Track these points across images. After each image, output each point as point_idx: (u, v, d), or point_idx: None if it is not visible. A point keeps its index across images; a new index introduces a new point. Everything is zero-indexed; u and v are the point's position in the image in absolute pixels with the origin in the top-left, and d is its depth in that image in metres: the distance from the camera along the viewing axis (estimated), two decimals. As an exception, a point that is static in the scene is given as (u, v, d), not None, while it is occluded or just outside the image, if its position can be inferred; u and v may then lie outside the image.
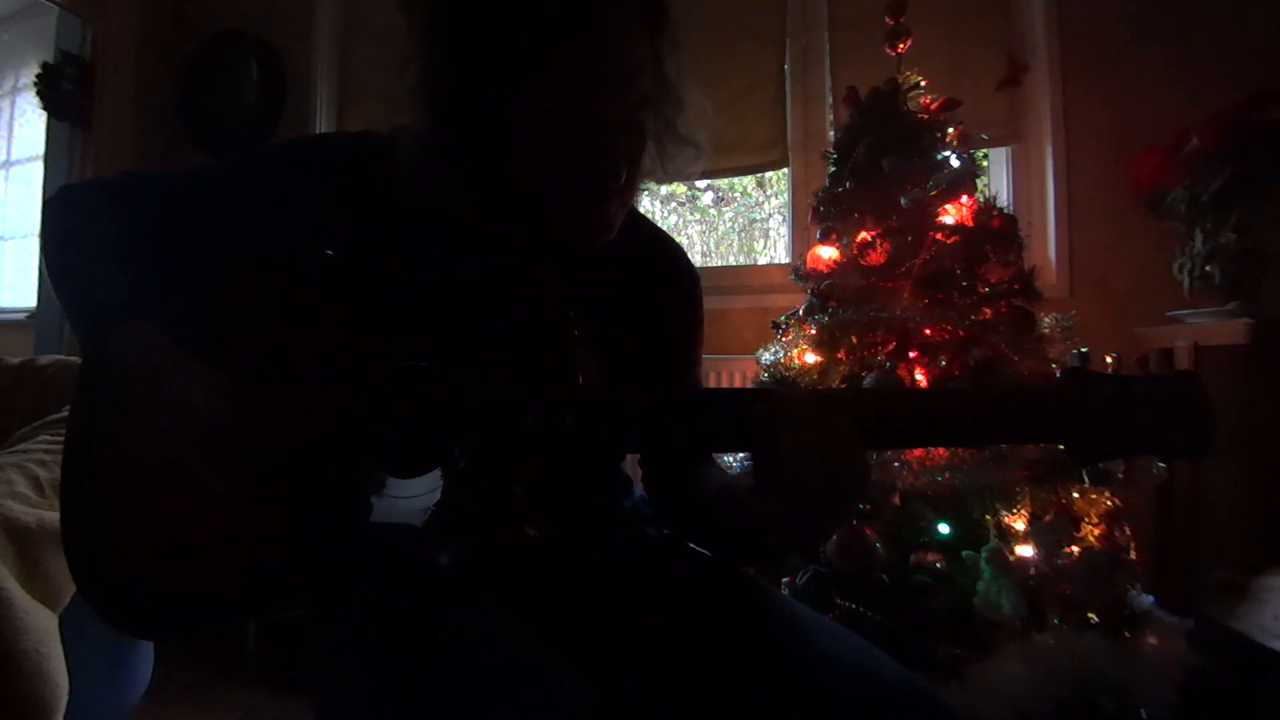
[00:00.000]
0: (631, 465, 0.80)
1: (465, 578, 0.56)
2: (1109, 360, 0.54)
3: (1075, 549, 1.18)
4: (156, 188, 0.72)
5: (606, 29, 0.59)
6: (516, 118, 0.61)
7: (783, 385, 1.37)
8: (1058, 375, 0.54)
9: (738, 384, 1.80)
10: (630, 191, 0.67)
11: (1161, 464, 0.53)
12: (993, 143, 1.82)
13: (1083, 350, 0.54)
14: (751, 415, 0.52)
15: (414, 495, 0.57)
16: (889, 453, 1.17)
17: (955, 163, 1.38)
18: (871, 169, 1.38)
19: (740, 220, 2.37)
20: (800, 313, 1.44)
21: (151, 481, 0.62)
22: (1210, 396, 0.50)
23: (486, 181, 0.64)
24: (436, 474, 0.57)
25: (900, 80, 1.45)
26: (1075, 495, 1.19)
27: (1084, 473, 0.54)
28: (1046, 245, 1.76)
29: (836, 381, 1.30)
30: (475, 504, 0.56)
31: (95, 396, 0.66)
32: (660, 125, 0.67)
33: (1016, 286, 1.29)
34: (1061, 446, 0.53)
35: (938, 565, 1.18)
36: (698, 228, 2.40)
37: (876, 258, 1.34)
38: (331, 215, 0.69)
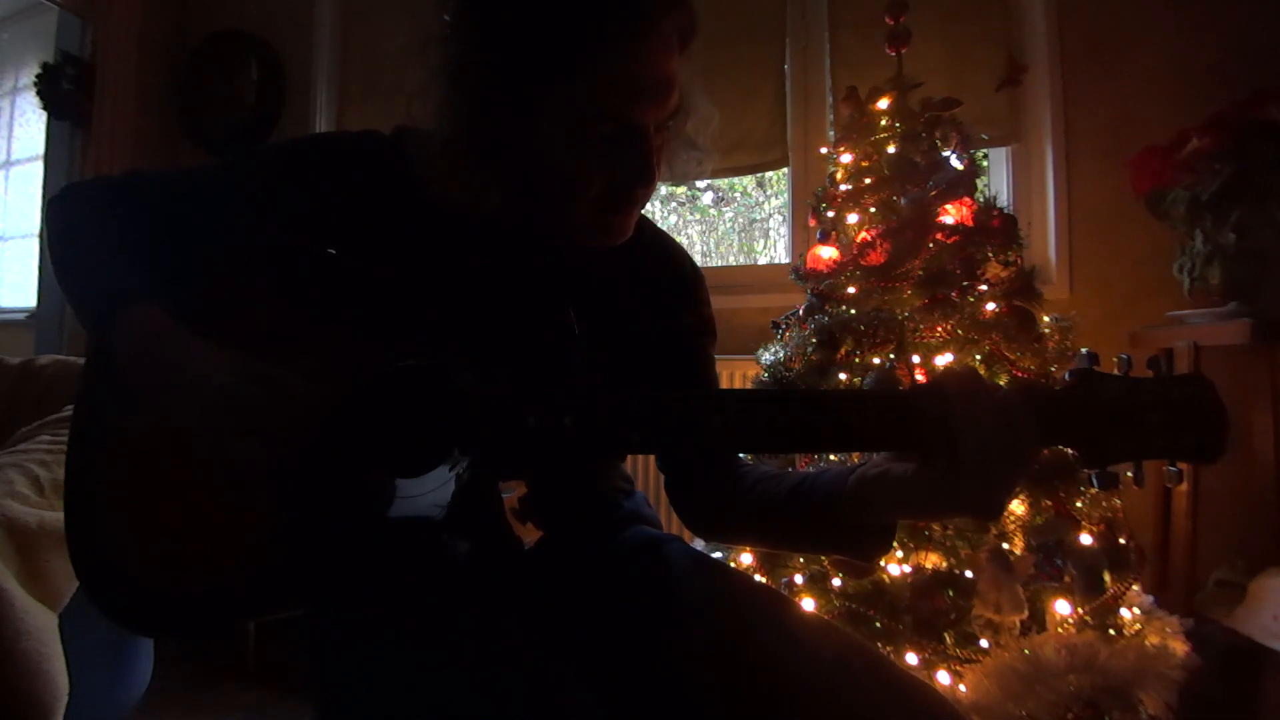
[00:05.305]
0: (630, 465, 0.80)
1: (475, 575, 0.56)
2: (1116, 361, 0.53)
3: (1075, 548, 1.18)
4: (162, 184, 0.72)
5: (652, 36, 0.58)
6: (550, 118, 0.60)
7: (781, 385, 1.37)
8: (1065, 377, 0.53)
9: (738, 384, 1.80)
10: (650, 195, 0.68)
11: (1173, 467, 0.52)
12: (993, 143, 1.82)
13: (1091, 352, 0.53)
14: (910, 410, 0.51)
15: (418, 494, 0.57)
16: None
17: (955, 163, 1.38)
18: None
19: (740, 220, 2.37)
20: (800, 313, 1.43)
21: (157, 473, 0.62)
22: (1222, 398, 0.49)
23: (507, 180, 0.64)
24: (443, 472, 0.57)
25: (900, 80, 1.45)
26: (1075, 495, 1.20)
27: (1093, 476, 0.53)
28: (1046, 245, 1.76)
29: (835, 381, 1.30)
30: (482, 505, 0.56)
31: (102, 385, 0.66)
32: (673, 130, 0.68)
33: (1016, 286, 1.29)
34: (1070, 450, 0.52)
35: (938, 565, 1.18)
36: (698, 228, 2.40)
37: (876, 258, 1.34)
38: (337, 213, 0.69)
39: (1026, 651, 1.08)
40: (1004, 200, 1.59)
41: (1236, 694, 1.24)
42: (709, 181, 2.29)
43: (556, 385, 0.56)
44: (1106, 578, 1.17)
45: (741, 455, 0.75)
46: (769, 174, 2.20)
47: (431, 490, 0.56)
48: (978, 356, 1.26)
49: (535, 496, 0.59)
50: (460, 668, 0.49)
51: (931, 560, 1.18)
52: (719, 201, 2.38)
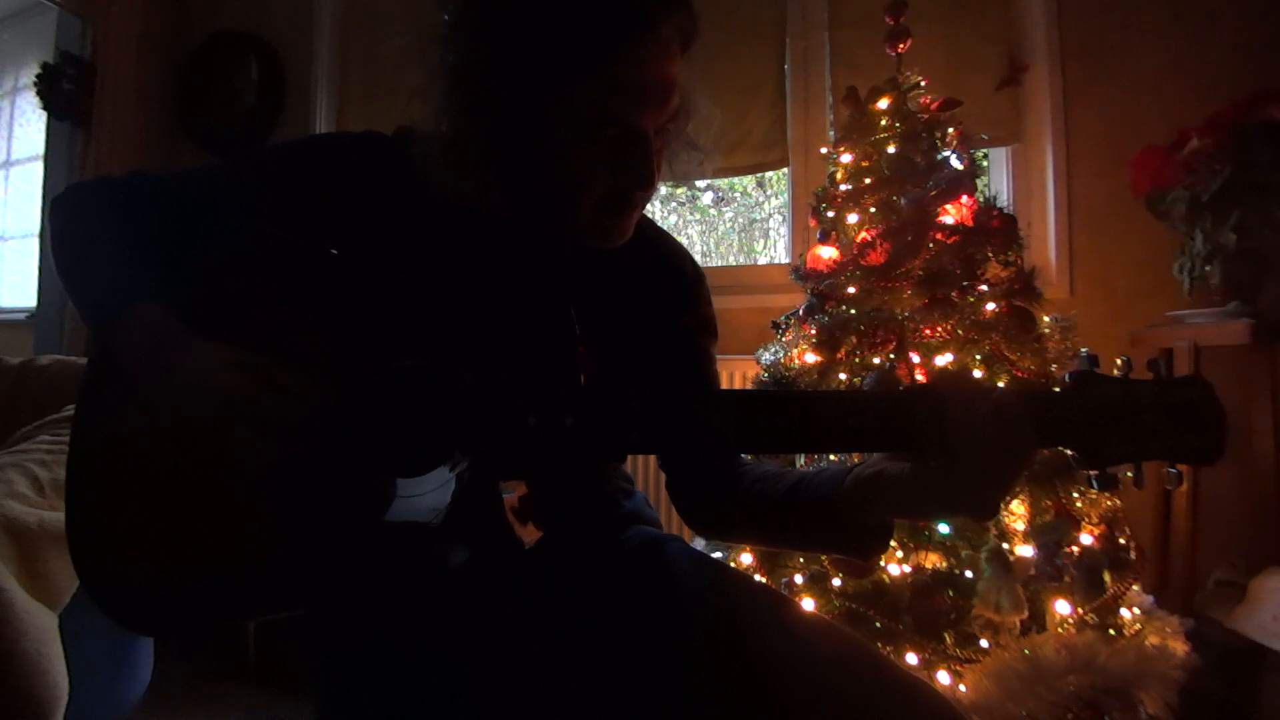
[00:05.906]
0: (630, 465, 0.80)
1: (475, 575, 0.56)
2: (1118, 363, 0.53)
3: (1075, 549, 1.18)
4: (164, 184, 0.72)
5: (652, 41, 0.58)
6: (550, 121, 0.60)
7: (780, 385, 1.37)
8: (1065, 378, 0.53)
9: (738, 384, 1.80)
10: (650, 198, 0.68)
11: (1172, 469, 0.52)
12: (993, 143, 1.82)
13: (1091, 353, 0.53)
14: (905, 410, 0.51)
15: (419, 494, 0.57)
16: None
17: (955, 163, 1.38)
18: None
19: (740, 220, 2.37)
20: (800, 313, 1.43)
21: (158, 473, 0.62)
22: (1221, 400, 0.49)
23: (507, 181, 0.64)
24: (443, 472, 0.57)
25: (900, 80, 1.45)
26: (1075, 495, 1.20)
27: (1092, 477, 0.54)
28: (1046, 245, 1.76)
29: (836, 381, 1.30)
30: (482, 504, 0.56)
31: (103, 385, 0.66)
32: (673, 132, 0.68)
33: (1016, 286, 1.29)
34: (1069, 451, 0.52)
35: (938, 565, 1.18)
36: (698, 228, 2.40)
37: (876, 258, 1.34)
38: (338, 214, 0.69)
39: (1026, 651, 1.08)
40: (1004, 200, 1.59)
41: (1236, 694, 1.24)
42: (709, 181, 2.29)
43: (557, 385, 0.56)
44: (1106, 578, 1.17)
45: (742, 455, 0.75)
46: (769, 174, 2.20)
47: (432, 490, 0.56)
48: (978, 356, 1.26)
49: (535, 496, 0.59)
50: (460, 668, 0.49)
51: (931, 560, 1.18)
52: (719, 201, 2.38)
